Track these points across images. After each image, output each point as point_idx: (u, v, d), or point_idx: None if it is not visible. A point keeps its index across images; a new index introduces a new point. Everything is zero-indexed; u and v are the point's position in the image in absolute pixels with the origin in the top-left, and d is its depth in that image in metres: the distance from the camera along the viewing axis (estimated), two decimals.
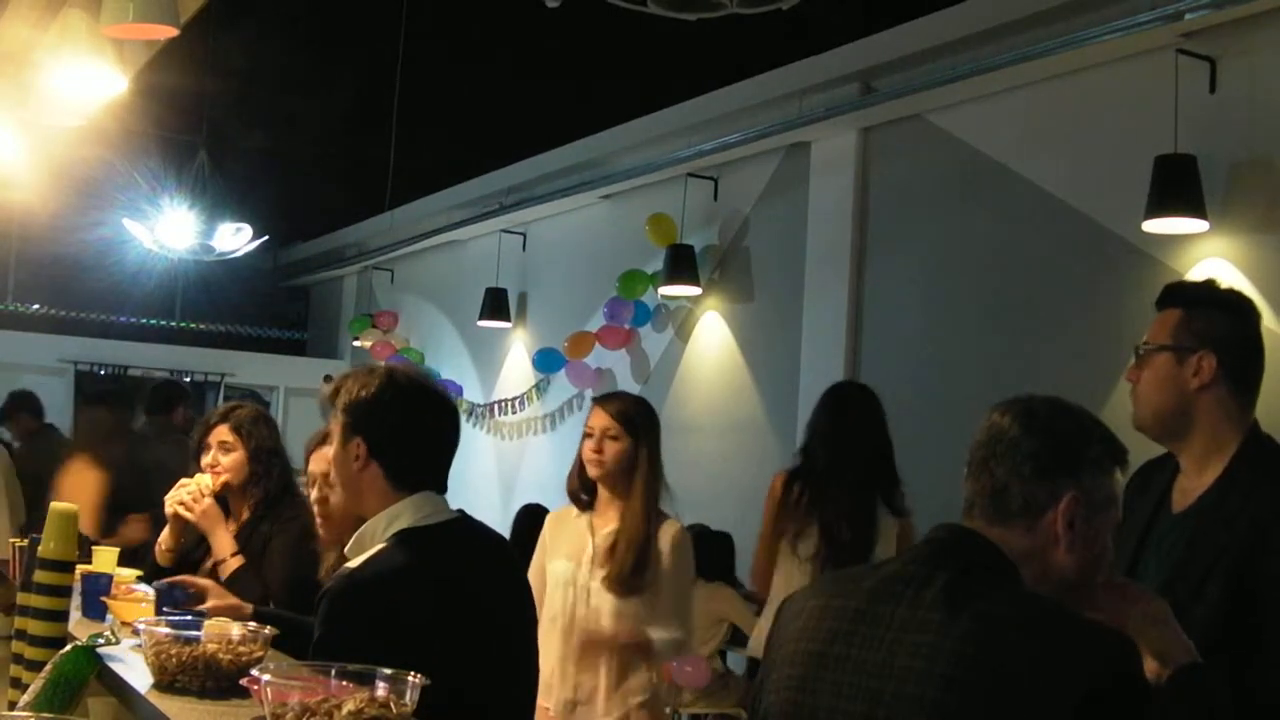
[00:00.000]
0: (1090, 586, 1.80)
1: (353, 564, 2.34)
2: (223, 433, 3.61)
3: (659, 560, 3.62)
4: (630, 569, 3.57)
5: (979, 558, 1.71)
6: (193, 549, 3.59)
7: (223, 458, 3.58)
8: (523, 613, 2.53)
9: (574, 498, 3.81)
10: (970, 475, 1.80)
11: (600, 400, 3.81)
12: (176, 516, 3.51)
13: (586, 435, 3.72)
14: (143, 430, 6.85)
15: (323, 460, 3.05)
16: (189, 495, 3.46)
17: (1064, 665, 1.55)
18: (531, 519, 7.89)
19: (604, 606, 3.63)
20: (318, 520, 3.07)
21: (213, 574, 3.40)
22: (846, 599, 1.73)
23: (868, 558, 3.88)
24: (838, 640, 1.69)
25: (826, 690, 1.67)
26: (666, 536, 3.66)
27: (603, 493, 3.74)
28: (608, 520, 3.71)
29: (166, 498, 3.54)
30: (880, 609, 1.68)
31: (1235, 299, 2.39)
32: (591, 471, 3.70)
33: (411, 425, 2.40)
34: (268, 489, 3.59)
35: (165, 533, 3.58)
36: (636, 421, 3.71)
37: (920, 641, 1.61)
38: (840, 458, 4.06)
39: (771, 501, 4.27)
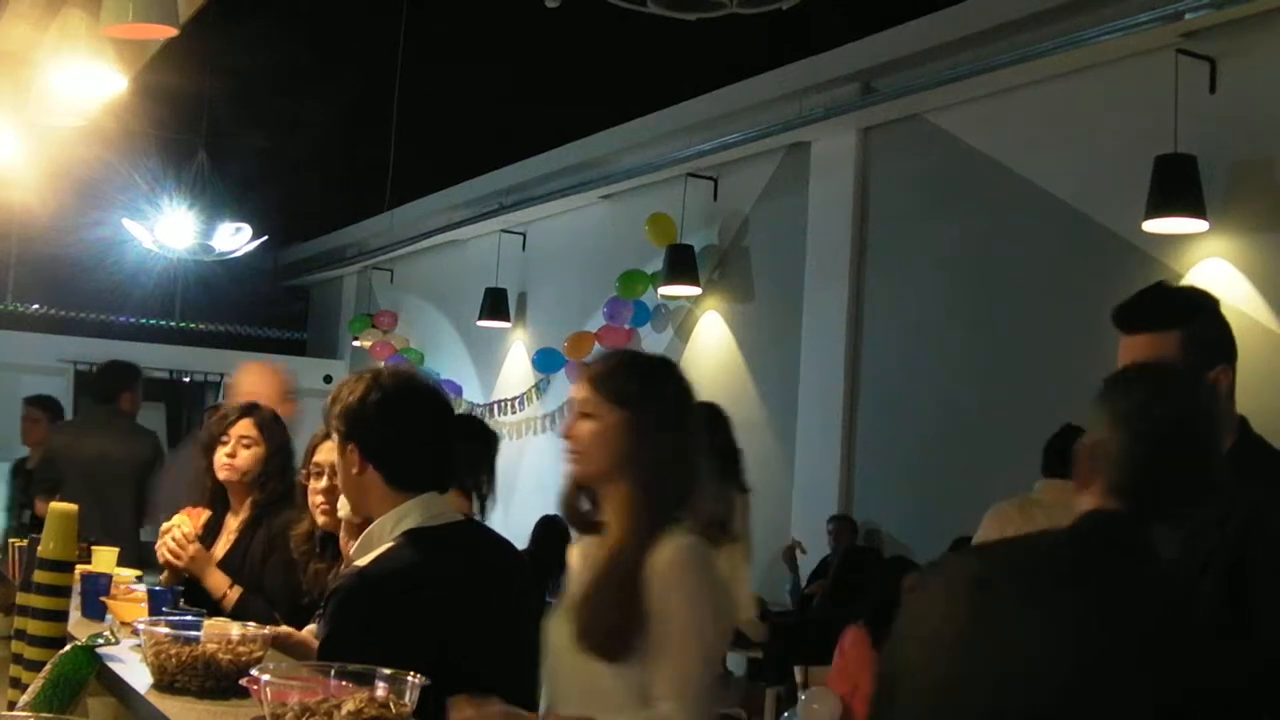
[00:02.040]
0: None
1: (361, 562, 2.35)
2: (247, 427, 3.63)
3: (649, 599, 2.19)
4: (606, 620, 2.17)
5: (1124, 540, 1.76)
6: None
7: (243, 451, 3.60)
8: (534, 617, 2.51)
9: (572, 516, 2.41)
10: (1123, 457, 1.80)
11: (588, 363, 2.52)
12: (168, 563, 3.52)
13: None
14: (83, 418, 6.46)
15: (328, 450, 3.06)
16: (174, 542, 3.46)
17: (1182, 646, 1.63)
18: (548, 531, 7.82)
19: (576, 677, 2.24)
20: (322, 508, 3.07)
21: (217, 606, 3.39)
22: (993, 574, 1.77)
23: (729, 529, 4.45)
24: (983, 617, 1.72)
25: (969, 664, 1.70)
26: (659, 561, 2.17)
27: (604, 503, 2.36)
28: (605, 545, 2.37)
29: (155, 547, 3.53)
30: (1026, 585, 1.73)
31: (1211, 299, 2.36)
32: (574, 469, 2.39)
33: (399, 427, 2.41)
34: (275, 489, 3.62)
35: (165, 575, 3.60)
36: (627, 388, 2.32)
37: (1062, 618, 1.67)
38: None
39: None
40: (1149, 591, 1.72)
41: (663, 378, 2.40)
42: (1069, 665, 1.63)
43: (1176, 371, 1.87)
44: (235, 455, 3.59)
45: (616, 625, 2.16)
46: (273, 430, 3.66)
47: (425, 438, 2.45)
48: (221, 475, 3.60)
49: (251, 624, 2.50)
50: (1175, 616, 1.72)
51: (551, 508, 9.27)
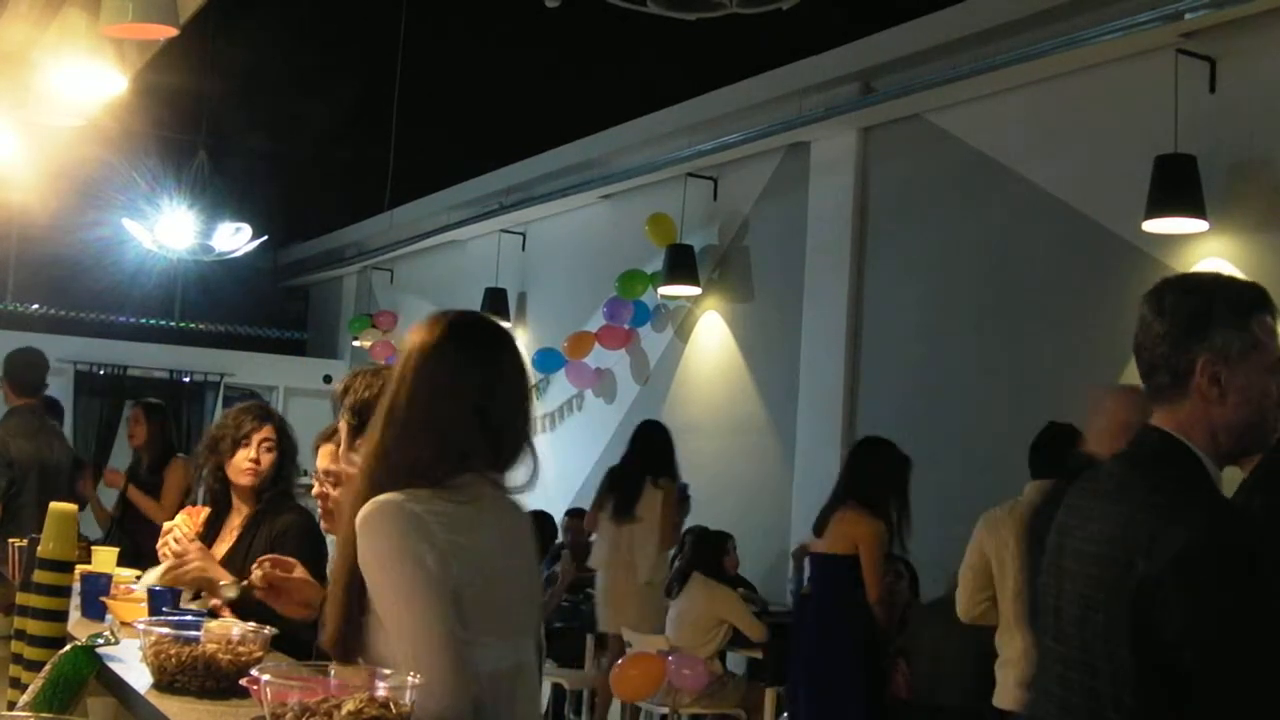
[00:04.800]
0: None
1: None
2: (269, 432, 3.70)
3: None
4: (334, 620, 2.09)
5: (1152, 448, 1.97)
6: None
7: (266, 456, 3.67)
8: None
9: None
10: (1139, 370, 2.02)
11: None
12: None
13: None
14: (30, 419, 5.88)
15: (325, 456, 3.06)
16: (175, 543, 3.48)
17: (1160, 537, 1.82)
18: (537, 526, 7.88)
19: None
20: (321, 513, 3.09)
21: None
22: (1074, 496, 2.08)
23: (633, 509, 6.53)
24: (1063, 532, 2.04)
25: (1051, 570, 2.05)
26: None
27: None
28: None
29: (157, 546, 3.55)
30: (1082, 502, 2.02)
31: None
32: None
33: None
34: (283, 489, 3.68)
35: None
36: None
37: (1089, 525, 1.95)
38: (630, 460, 6.68)
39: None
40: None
41: None
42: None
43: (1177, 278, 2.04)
44: (260, 460, 3.64)
45: (341, 623, 1.98)
46: (288, 435, 3.76)
47: None
48: (245, 480, 3.65)
49: (251, 624, 2.50)
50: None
51: (546, 504, 9.36)
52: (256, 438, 3.67)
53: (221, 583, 3.22)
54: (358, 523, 1.93)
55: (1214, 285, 2.02)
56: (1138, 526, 1.86)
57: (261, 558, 2.98)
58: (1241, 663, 1.78)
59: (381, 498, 1.94)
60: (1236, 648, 1.78)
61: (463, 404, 2.01)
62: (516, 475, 2.09)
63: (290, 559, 2.97)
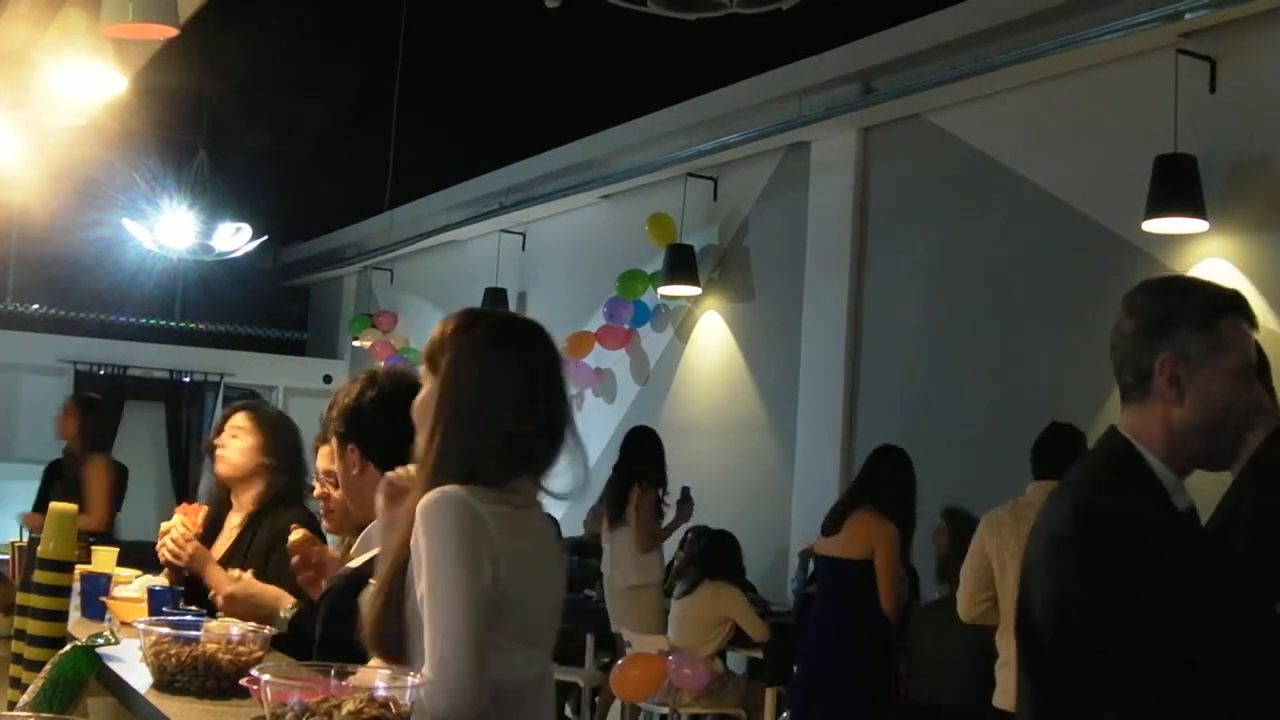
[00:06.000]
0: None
1: (354, 564, 2.34)
2: (240, 419, 3.63)
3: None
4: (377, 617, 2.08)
5: (1100, 448, 1.97)
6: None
7: (232, 442, 3.60)
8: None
9: None
10: (1113, 368, 2.02)
11: None
12: (169, 562, 3.51)
13: None
14: None
15: (324, 457, 3.06)
16: (173, 543, 3.46)
17: (1041, 529, 1.93)
18: None
19: None
20: (324, 514, 3.09)
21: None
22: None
23: (623, 513, 6.65)
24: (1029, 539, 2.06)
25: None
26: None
27: None
28: None
29: (157, 547, 3.53)
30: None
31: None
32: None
33: (397, 426, 2.39)
34: (277, 486, 3.62)
35: (163, 575, 3.60)
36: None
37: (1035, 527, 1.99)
38: (620, 465, 6.79)
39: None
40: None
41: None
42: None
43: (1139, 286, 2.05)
44: (225, 446, 3.59)
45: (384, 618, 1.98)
46: (272, 423, 3.66)
47: None
48: (217, 469, 3.60)
49: (252, 624, 2.50)
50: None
51: (551, 508, 9.32)
52: (228, 425, 3.61)
53: (283, 613, 3.12)
54: (419, 510, 1.91)
55: (1187, 287, 2.02)
56: (1038, 523, 1.93)
57: (295, 525, 2.94)
58: (1076, 658, 1.78)
59: (448, 488, 1.92)
60: (1078, 642, 1.78)
61: (501, 404, 2.01)
62: (560, 479, 2.07)
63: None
